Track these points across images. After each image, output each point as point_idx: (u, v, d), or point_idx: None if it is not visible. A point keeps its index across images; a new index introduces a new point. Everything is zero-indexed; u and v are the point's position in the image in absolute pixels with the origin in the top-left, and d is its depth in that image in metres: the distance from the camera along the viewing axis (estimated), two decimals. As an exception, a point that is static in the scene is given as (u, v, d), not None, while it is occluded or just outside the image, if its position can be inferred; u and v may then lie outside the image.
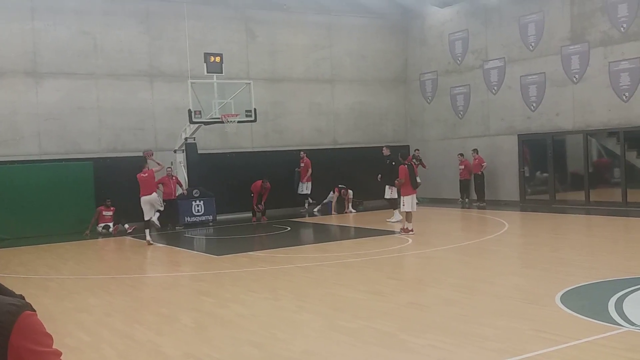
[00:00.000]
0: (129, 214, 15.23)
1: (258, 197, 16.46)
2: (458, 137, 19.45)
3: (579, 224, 13.81)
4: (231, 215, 17.38)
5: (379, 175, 13.90)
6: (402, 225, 12.35)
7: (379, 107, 20.60)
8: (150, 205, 13.09)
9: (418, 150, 19.69)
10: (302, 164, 17.82)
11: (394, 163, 12.98)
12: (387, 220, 14.23)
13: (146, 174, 13.04)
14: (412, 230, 12.18)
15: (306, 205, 17.92)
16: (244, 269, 9.53)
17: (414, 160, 19.41)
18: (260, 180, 16.51)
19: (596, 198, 16.14)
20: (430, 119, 20.41)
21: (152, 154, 14.29)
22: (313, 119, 19.45)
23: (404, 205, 12.22)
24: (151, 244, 12.76)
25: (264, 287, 8.10)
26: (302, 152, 17.80)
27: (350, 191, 17.84)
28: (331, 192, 18.16)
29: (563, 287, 7.14)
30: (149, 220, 13.20)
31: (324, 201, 18.30)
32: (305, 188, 17.83)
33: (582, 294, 6.98)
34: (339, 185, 17.92)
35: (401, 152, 13.25)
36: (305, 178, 17.69)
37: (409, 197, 12.15)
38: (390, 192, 14.36)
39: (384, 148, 14.27)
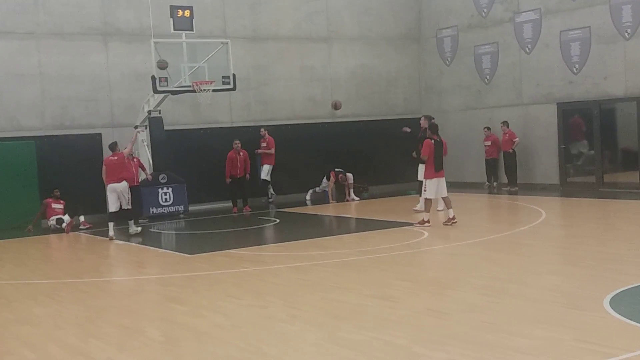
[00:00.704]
0: (82, 204, 15.22)
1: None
2: (484, 107, 19.46)
3: (632, 212, 13.83)
4: (207, 206, 17.42)
5: (414, 153, 13.76)
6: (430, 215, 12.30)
7: (387, 70, 20.57)
8: (118, 195, 13.19)
9: (433, 119, 19.62)
10: (263, 144, 17.59)
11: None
12: (414, 208, 14.22)
13: (116, 157, 13.25)
14: (428, 222, 12.24)
15: (270, 195, 17.83)
16: (222, 271, 9.55)
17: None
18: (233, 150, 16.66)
19: (653, 180, 16.21)
20: (450, 84, 20.39)
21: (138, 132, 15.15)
22: (305, 86, 19.42)
23: (425, 190, 12.22)
24: (113, 240, 12.85)
25: (248, 291, 8.12)
26: (262, 129, 17.64)
27: (349, 175, 17.85)
28: (324, 179, 18.14)
29: (613, 288, 7.15)
30: (115, 212, 13.23)
31: (317, 189, 18.31)
32: (266, 173, 17.60)
33: (635, 297, 6.98)
34: (336, 169, 17.91)
35: (431, 122, 13.01)
36: (267, 160, 17.50)
37: (433, 180, 12.13)
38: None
39: (422, 118, 14.03)
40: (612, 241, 10.24)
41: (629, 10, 16.07)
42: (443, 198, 12.40)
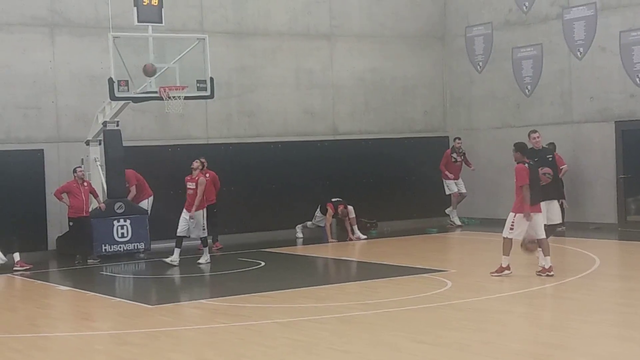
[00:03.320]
0: (18, 239, 15.14)
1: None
2: (523, 125, 19.43)
3: None
4: (174, 243, 17.34)
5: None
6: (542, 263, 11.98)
7: (403, 77, 20.65)
8: None
9: (460, 140, 19.77)
10: (194, 184, 14.92)
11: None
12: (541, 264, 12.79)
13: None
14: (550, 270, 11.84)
15: (174, 257, 14.95)
16: (193, 326, 9.48)
17: (454, 154, 19.57)
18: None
19: None
20: (482, 95, 20.47)
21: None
22: (301, 94, 19.48)
23: (512, 228, 11.88)
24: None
25: (224, 354, 8.06)
26: (200, 160, 15.41)
27: (350, 208, 17.78)
28: (318, 211, 18.10)
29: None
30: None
31: (308, 223, 18.29)
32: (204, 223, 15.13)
33: None
34: (333, 200, 17.88)
35: (519, 142, 12.62)
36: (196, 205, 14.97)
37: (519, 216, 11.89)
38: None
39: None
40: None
41: None
42: (539, 240, 11.93)
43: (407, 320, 9.43)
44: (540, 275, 11.84)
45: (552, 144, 18.30)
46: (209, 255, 14.93)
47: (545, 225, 12.12)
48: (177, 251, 14.70)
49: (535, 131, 13.70)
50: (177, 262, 14.60)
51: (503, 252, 12.02)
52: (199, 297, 11.37)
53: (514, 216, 11.90)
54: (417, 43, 20.82)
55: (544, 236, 11.96)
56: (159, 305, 11.26)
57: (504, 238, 11.99)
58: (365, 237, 17.83)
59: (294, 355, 7.97)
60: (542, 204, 12.15)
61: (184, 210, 14.83)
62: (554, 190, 12.82)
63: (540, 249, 11.91)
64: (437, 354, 7.84)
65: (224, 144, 18.22)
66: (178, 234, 14.83)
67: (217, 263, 14.93)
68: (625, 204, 17.79)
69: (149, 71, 14.84)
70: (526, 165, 11.96)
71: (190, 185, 14.84)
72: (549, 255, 11.88)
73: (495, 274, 12.05)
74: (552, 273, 11.78)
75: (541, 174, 12.30)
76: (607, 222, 17.76)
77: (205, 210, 15.00)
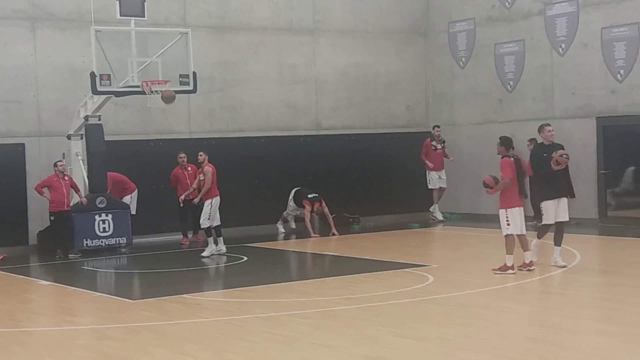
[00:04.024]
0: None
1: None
2: (506, 120, 19.56)
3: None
4: (156, 237, 17.34)
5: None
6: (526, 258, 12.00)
7: (386, 72, 20.67)
8: None
9: (439, 127, 19.80)
10: (201, 176, 15.11)
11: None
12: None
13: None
14: (512, 268, 11.81)
15: (213, 248, 15.02)
16: (175, 321, 9.47)
17: (434, 142, 19.59)
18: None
19: None
20: (464, 91, 20.51)
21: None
22: (284, 89, 19.46)
23: (509, 224, 11.81)
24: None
25: (207, 349, 8.05)
26: (201, 154, 15.20)
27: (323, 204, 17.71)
28: (291, 201, 18.10)
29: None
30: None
31: (284, 213, 18.30)
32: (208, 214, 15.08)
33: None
34: (309, 196, 17.81)
35: (504, 136, 12.52)
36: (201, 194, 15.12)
37: (515, 210, 11.90)
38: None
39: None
40: (664, 292, 10.29)
41: (688, 4, 16.33)
42: (519, 236, 11.95)
43: (389, 315, 9.44)
44: (521, 269, 11.86)
45: (534, 139, 18.39)
46: (214, 246, 14.94)
47: (551, 223, 12.17)
48: (211, 241, 14.94)
49: (548, 124, 12.58)
50: (221, 250, 14.98)
51: (507, 251, 11.82)
52: (181, 292, 11.31)
53: (506, 212, 11.86)
54: (400, 39, 20.84)
55: (524, 232, 12.01)
56: (141, 299, 11.25)
57: (505, 236, 11.87)
58: (337, 233, 17.69)
59: (276, 350, 7.96)
60: (552, 202, 12.02)
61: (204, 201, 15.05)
62: (563, 187, 12.24)
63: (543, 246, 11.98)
64: (420, 348, 7.85)
65: (207, 139, 18.15)
66: (204, 226, 15.02)
67: (199, 258, 14.87)
68: (606, 199, 17.88)
69: (168, 97, 14.88)
70: (511, 159, 11.98)
71: (201, 177, 15.03)
72: (528, 251, 11.94)
73: (498, 272, 11.81)
74: (532, 268, 11.83)
75: (557, 156, 11.90)
76: (588, 218, 17.83)
77: (213, 200, 14.93)
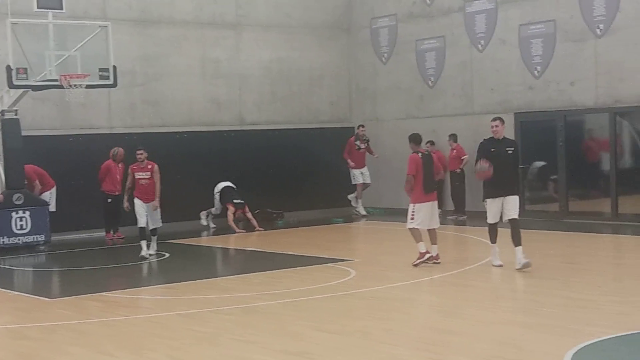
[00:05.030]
0: None
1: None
2: (427, 116, 19.79)
3: (602, 248, 14.31)
4: (75, 235, 17.11)
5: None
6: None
7: (309, 67, 20.70)
8: None
9: (363, 127, 19.93)
10: (146, 174, 14.03)
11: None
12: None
13: None
14: (429, 254, 12.01)
15: (147, 249, 14.05)
16: (93, 320, 9.38)
17: (358, 142, 19.74)
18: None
19: (629, 209, 16.76)
20: (386, 86, 20.67)
21: None
22: (207, 84, 19.33)
23: (413, 218, 12.02)
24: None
25: (126, 347, 7.99)
26: (142, 151, 14.09)
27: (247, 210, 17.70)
28: (217, 197, 18.02)
29: (576, 342, 7.34)
30: None
31: (212, 210, 18.23)
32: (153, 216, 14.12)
33: (603, 353, 7.19)
34: (235, 201, 17.71)
35: (413, 133, 12.63)
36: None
37: (423, 205, 12.06)
38: None
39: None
40: (578, 284, 10.54)
41: (602, 1, 16.61)
42: (429, 230, 12.17)
43: (311, 310, 9.49)
44: (426, 263, 12.03)
45: (454, 134, 18.69)
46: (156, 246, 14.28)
47: (498, 220, 11.69)
48: (144, 243, 13.89)
49: (494, 119, 11.94)
50: (149, 254, 13.87)
51: (416, 240, 12.05)
52: (100, 290, 11.20)
53: (413, 206, 12.11)
54: (323, 34, 20.90)
55: (436, 226, 12.25)
56: (59, 298, 11.09)
57: (409, 229, 12.13)
58: (262, 229, 17.68)
59: (197, 347, 7.92)
60: (494, 200, 11.61)
61: (139, 201, 13.89)
62: (506, 185, 11.56)
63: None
64: (340, 343, 7.89)
65: (128, 134, 17.95)
66: (142, 226, 13.89)
67: (120, 255, 14.69)
68: (523, 193, 18.23)
69: (118, 156, 15.10)
70: (419, 155, 12.18)
71: (143, 175, 13.93)
72: (436, 244, 12.16)
73: (417, 261, 11.97)
74: (438, 261, 12.05)
75: (477, 168, 11.63)
76: (507, 211, 18.14)
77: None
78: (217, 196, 18.08)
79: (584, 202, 17.84)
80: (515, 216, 11.52)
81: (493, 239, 11.78)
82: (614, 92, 16.56)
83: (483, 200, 12.38)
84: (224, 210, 17.94)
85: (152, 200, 13.79)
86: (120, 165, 16.63)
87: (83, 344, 8.20)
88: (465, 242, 15.85)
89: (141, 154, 13.90)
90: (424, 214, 12.04)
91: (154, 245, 14.10)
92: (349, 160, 19.61)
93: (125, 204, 14.17)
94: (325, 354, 7.47)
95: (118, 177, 16.56)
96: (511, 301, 10.04)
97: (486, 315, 8.88)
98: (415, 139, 12.40)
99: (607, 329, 7.84)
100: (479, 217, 17.77)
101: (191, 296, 10.67)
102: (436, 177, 12.60)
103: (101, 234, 16.98)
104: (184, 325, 8.89)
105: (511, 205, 11.50)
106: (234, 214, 17.56)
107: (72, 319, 9.51)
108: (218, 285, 11.59)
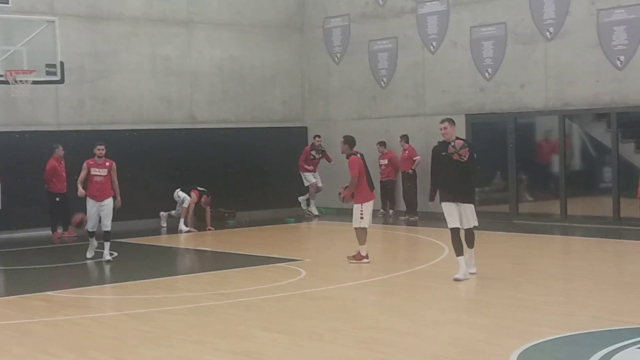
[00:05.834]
0: None
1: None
2: (379, 117, 19.84)
3: (551, 249, 14.46)
4: (21, 233, 16.91)
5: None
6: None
7: (262, 66, 20.62)
8: None
9: (319, 137, 19.89)
10: (102, 171, 13.42)
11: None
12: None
13: None
14: (367, 257, 12.30)
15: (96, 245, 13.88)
16: (37, 319, 9.26)
17: (314, 152, 19.73)
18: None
19: (577, 211, 16.98)
20: (339, 86, 20.67)
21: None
22: (157, 81, 19.15)
23: (362, 217, 12.23)
24: None
25: (70, 347, 7.89)
26: (102, 147, 13.50)
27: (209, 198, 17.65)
28: (177, 196, 17.82)
29: (523, 342, 7.40)
30: None
31: (172, 212, 18.04)
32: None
33: (547, 354, 7.24)
34: (199, 188, 17.67)
35: (348, 136, 12.91)
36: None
37: (369, 204, 12.34)
38: None
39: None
40: (526, 285, 10.60)
41: (552, 4, 16.84)
42: (357, 229, 12.43)
43: (260, 310, 9.46)
44: (351, 261, 12.27)
45: (405, 135, 18.74)
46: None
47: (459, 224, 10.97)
48: (94, 240, 13.54)
49: (443, 121, 11.10)
50: (107, 259, 13.32)
51: (359, 242, 12.30)
52: (45, 289, 11.07)
53: (361, 206, 12.28)
54: (276, 33, 20.83)
55: (368, 225, 12.33)
56: (2, 297, 10.91)
57: (355, 228, 12.31)
58: (213, 228, 17.57)
59: (143, 347, 7.84)
60: (450, 204, 10.94)
61: (91, 201, 13.34)
62: (458, 192, 10.93)
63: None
64: (289, 343, 7.87)
65: (77, 131, 17.75)
66: (91, 230, 13.43)
67: (67, 253, 14.49)
68: (474, 194, 18.31)
69: (76, 222, 14.82)
70: (358, 156, 12.42)
71: (99, 171, 13.30)
72: (364, 244, 12.31)
73: (353, 261, 12.28)
74: (367, 260, 12.24)
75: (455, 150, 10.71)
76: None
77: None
78: (178, 192, 17.75)
79: (533, 203, 18.05)
80: (476, 224, 11.05)
81: (459, 251, 10.82)
82: (563, 95, 16.77)
83: (431, 200, 11.83)
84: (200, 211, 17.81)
85: (106, 198, 13.34)
86: (62, 162, 16.50)
87: (26, 344, 8.09)
88: (416, 242, 15.91)
89: (102, 149, 13.28)
90: (371, 212, 12.34)
91: (107, 250, 13.51)
92: (305, 166, 19.63)
93: (80, 191, 13.26)
94: (273, 354, 7.45)
95: (64, 174, 16.44)
96: (459, 301, 10.09)
97: (434, 315, 8.93)
98: (350, 141, 12.67)
99: (553, 329, 7.92)
100: (430, 217, 17.93)
101: (139, 296, 10.59)
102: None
103: (48, 232, 16.74)
104: (130, 325, 8.81)
105: (470, 215, 10.95)
106: (199, 201, 17.43)
107: (15, 318, 9.37)
108: (167, 284, 11.50)
